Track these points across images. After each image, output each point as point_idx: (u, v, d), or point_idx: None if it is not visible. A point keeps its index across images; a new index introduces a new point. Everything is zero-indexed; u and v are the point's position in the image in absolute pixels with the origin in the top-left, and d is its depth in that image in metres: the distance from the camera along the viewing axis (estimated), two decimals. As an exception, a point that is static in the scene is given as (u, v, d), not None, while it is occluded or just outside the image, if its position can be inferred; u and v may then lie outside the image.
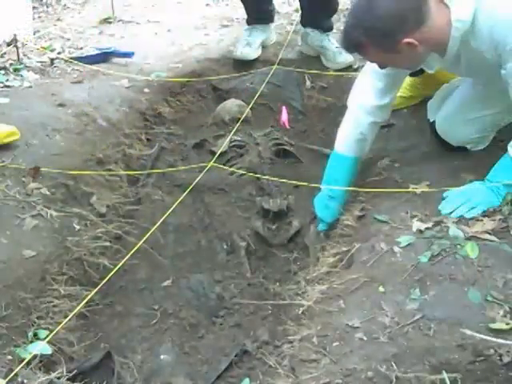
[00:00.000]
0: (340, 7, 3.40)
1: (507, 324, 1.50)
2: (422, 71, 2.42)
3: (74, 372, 1.70)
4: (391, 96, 2.19)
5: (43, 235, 2.05)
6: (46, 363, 1.72)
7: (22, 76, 3.03)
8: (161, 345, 1.90)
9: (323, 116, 3.04)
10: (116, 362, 1.79)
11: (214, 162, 2.51)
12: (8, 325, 1.74)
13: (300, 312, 1.86)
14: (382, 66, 1.97)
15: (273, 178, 2.45)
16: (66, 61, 3.25)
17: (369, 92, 2.16)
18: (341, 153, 2.22)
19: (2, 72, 3.04)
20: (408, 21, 1.76)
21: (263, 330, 1.92)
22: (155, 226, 2.17)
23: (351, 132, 2.20)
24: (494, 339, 1.42)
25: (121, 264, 2.01)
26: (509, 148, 1.88)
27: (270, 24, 3.51)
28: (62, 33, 3.87)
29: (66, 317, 1.83)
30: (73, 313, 1.85)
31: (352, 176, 2.24)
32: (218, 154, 2.59)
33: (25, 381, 1.56)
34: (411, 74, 2.58)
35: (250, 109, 2.93)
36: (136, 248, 2.07)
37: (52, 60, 3.25)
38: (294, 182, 2.39)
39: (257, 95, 2.98)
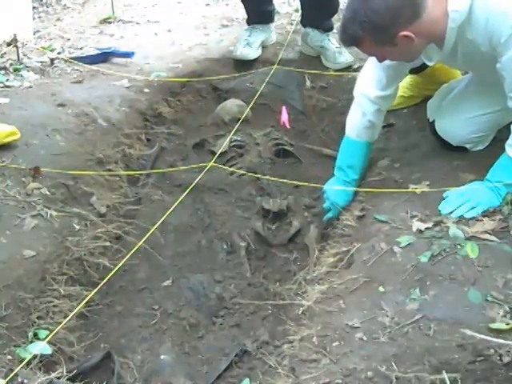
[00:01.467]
0: (340, 7, 3.39)
1: (507, 324, 1.50)
2: (422, 67, 2.42)
3: (74, 372, 1.70)
4: (393, 88, 2.22)
5: (43, 235, 2.05)
6: (46, 363, 1.72)
7: (22, 76, 3.03)
8: (161, 345, 1.90)
9: (323, 116, 3.04)
10: (116, 362, 1.79)
11: (214, 162, 2.51)
12: (8, 325, 1.74)
13: (300, 312, 1.86)
14: (380, 59, 1.97)
15: (273, 178, 2.45)
16: (66, 61, 3.25)
17: (372, 83, 2.19)
18: (353, 139, 2.26)
19: (2, 72, 3.04)
20: (404, 14, 1.76)
21: (263, 330, 1.92)
22: (155, 226, 2.17)
23: (360, 120, 2.24)
24: (494, 339, 1.42)
25: (121, 264, 2.02)
26: (506, 147, 1.88)
27: (270, 24, 3.50)
28: (62, 33, 3.86)
29: (65, 317, 1.83)
30: (73, 313, 1.85)
31: (366, 160, 2.30)
32: (218, 154, 2.59)
33: (25, 381, 1.56)
34: (412, 71, 2.58)
35: (250, 109, 2.92)
36: (136, 248, 2.07)
37: (52, 60, 3.25)
38: (294, 181, 2.39)
39: (257, 95, 2.98)
